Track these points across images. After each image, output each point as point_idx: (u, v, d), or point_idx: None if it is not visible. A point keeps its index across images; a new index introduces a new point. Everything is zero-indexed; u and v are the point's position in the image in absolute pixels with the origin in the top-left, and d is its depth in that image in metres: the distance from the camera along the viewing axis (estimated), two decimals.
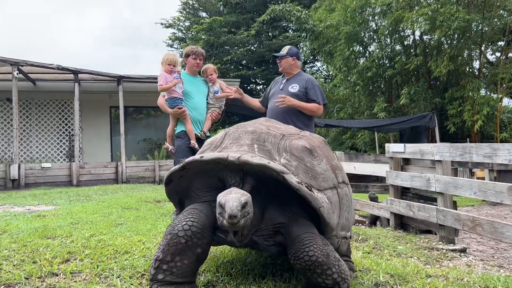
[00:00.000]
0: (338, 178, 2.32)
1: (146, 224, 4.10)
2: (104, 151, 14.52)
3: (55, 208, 5.76)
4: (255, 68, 28.95)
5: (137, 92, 13.75)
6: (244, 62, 29.92)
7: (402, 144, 4.85)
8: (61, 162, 13.39)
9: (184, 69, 4.70)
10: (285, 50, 4.57)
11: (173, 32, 30.48)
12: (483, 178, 9.59)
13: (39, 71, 12.00)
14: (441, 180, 4.22)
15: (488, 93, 18.11)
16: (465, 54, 17.61)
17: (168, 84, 4.30)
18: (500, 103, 17.75)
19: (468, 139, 17.98)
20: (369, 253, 3.55)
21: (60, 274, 2.25)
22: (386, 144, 5.22)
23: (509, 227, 3.49)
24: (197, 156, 2.07)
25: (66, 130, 13.87)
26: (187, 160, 2.08)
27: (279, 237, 2.04)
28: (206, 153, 2.11)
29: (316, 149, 2.29)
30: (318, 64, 30.99)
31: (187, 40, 29.00)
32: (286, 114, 4.20)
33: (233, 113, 18.93)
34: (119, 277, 2.22)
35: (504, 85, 17.36)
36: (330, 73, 26.62)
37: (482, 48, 18.44)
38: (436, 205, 4.38)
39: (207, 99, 4.64)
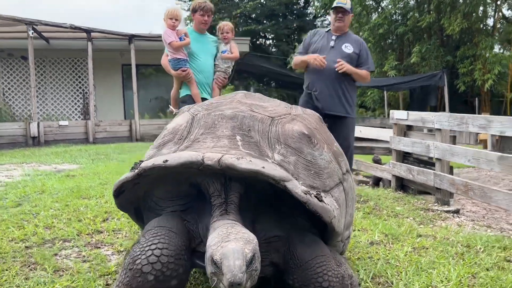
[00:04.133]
0: (342, 169, 1.92)
1: None
2: (117, 109, 14.87)
3: (79, 167, 6.21)
4: (264, 22, 28.53)
5: (149, 50, 13.85)
6: (253, 16, 29.45)
7: (406, 112, 5.14)
8: (76, 119, 13.83)
9: (190, 26, 4.30)
10: (348, 3, 4.12)
11: None
12: (486, 141, 9.86)
13: (53, 29, 12.17)
14: (439, 147, 4.54)
15: (501, 51, 17.97)
16: (479, 11, 17.31)
17: (181, 42, 3.94)
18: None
19: (477, 99, 18.01)
20: (369, 213, 3.94)
21: (104, 232, 2.67)
22: (391, 111, 5.51)
23: (496, 192, 3.85)
24: (158, 159, 1.57)
25: (80, 88, 14.20)
26: (143, 165, 1.59)
27: (275, 256, 1.63)
28: (171, 154, 1.62)
29: (315, 133, 1.85)
30: (329, 18, 30.40)
31: None
32: (339, 77, 3.99)
33: (241, 71, 19.04)
34: None
35: None
36: None
37: (498, 2, 18.08)
38: (434, 170, 4.73)
39: (214, 60, 4.25)
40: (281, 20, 27.72)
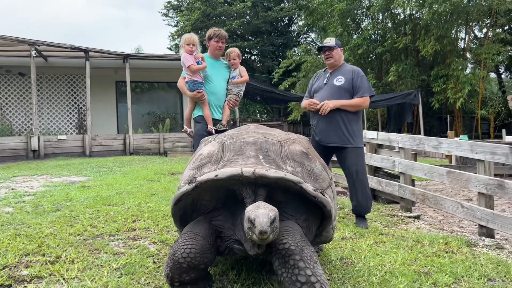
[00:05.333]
0: (329, 176, 2.50)
1: (173, 194, 5.28)
2: (111, 123, 15.57)
3: (88, 179, 6.92)
4: (250, 39, 29.50)
5: (142, 68, 14.72)
6: (239, 33, 30.45)
7: (376, 132, 6.03)
8: (71, 133, 14.46)
9: (206, 52, 4.61)
10: (332, 41, 4.35)
11: (169, 1, 30.67)
12: (451, 156, 10.85)
13: (52, 49, 12.88)
14: (402, 163, 5.42)
15: (473, 71, 19.23)
16: (452, 34, 18.57)
17: (199, 66, 4.26)
18: (482, 82, 18.86)
19: (448, 116, 19.22)
20: (343, 218, 4.78)
21: (136, 229, 3.44)
22: (364, 131, 6.39)
23: (446, 200, 4.73)
24: (211, 175, 2.09)
25: (76, 103, 14.86)
26: (199, 179, 2.11)
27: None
28: (217, 170, 2.14)
29: (309, 151, 2.46)
30: (313, 35, 31.60)
31: (182, 9, 29.34)
32: (336, 110, 4.17)
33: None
34: (175, 231, 3.41)
35: (487, 65, 18.45)
36: None
37: (470, 25, 19.40)
38: (399, 182, 5.61)
39: (227, 84, 4.54)
40: (266, 37, 28.78)
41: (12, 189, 5.71)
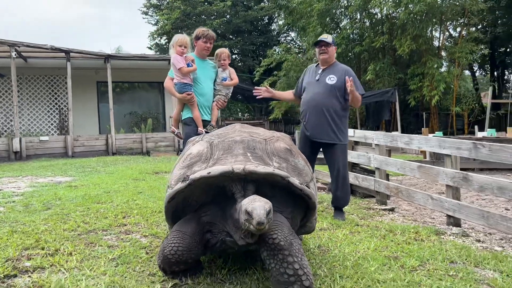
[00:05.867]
0: (311, 170, 2.66)
1: (159, 192, 5.48)
2: (92, 124, 15.57)
3: (74, 179, 7.04)
4: (231, 38, 29.65)
5: (123, 68, 14.77)
6: (220, 32, 30.57)
7: (353, 130, 6.32)
8: (52, 134, 14.42)
9: (192, 51, 4.55)
10: (329, 38, 4.44)
11: None
12: (425, 151, 11.30)
13: (32, 50, 12.83)
14: (377, 158, 5.73)
15: (447, 69, 19.83)
16: (427, 33, 19.12)
17: (189, 68, 4.23)
18: (456, 80, 19.48)
19: (424, 112, 19.80)
20: (322, 211, 5.05)
21: (127, 224, 3.64)
22: None
23: (417, 193, 5.06)
24: (203, 172, 2.21)
25: (56, 104, 14.82)
26: (192, 177, 2.22)
27: None
28: (208, 168, 2.25)
29: (292, 148, 2.59)
30: (293, 34, 31.91)
31: (162, 8, 29.31)
32: (326, 108, 4.32)
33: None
34: (164, 226, 3.62)
35: (461, 63, 19.07)
36: (303, 46, 27.86)
37: (444, 25, 20.01)
38: (374, 177, 5.92)
39: (214, 85, 4.54)
40: (246, 36, 29.00)
41: (0, 189, 5.81)
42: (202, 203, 2.39)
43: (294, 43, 31.35)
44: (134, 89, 17.10)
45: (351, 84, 4.18)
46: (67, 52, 12.67)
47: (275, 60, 22.19)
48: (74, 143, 12.83)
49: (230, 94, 4.66)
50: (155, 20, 31.21)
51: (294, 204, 2.44)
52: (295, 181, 2.28)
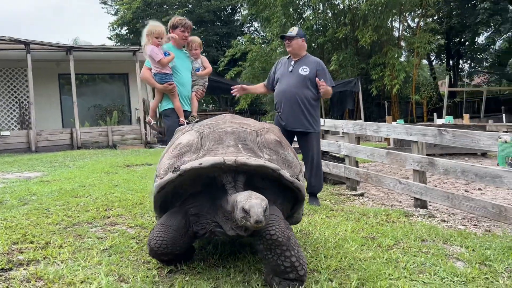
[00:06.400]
0: (299, 162, 2.66)
1: (135, 184, 5.50)
2: (55, 117, 15.12)
3: (43, 174, 6.91)
4: (194, 28, 29.26)
5: (85, 60, 14.41)
6: None
7: (323, 119, 6.53)
8: (13, 129, 13.93)
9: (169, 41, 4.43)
10: (294, 31, 4.59)
11: None
12: (389, 139, 11.77)
13: None
14: (347, 146, 5.98)
15: (407, 59, 20.55)
16: (387, 24, 19.71)
17: (168, 58, 4.16)
18: (415, 69, 20.22)
19: (386, 101, 20.47)
20: None
21: (111, 217, 3.68)
22: None
23: (386, 178, 5.34)
24: (195, 163, 2.19)
25: (16, 97, 14.30)
26: (183, 168, 2.20)
27: None
28: (199, 159, 2.23)
29: (282, 139, 2.60)
30: (256, 24, 31.95)
31: None
32: (300, 98, 4.48)
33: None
34: (148, 216, 3.69)
35: (419, 53, 19.82)
36: (268, 36, 28.02)
37: (403, 15, 20.68)
38: (344, 164, 6.17)
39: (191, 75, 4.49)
40: (209, 26, 28.78)
41: None
42: (190, 193, 2.39)
43: (258, 34, 31.44)
44: (97, 81, 16.73)
45: (323, 86, 4.39)
46: (27, 43, 12.23)
47: (239, 51, 22.23)
48: (38, 138, 12.46)
49: (207, 83, 4.65)
50: (115, 10, 30.47)
51: (284, 195, 2.47)
52: (286, 174, 2.29)
